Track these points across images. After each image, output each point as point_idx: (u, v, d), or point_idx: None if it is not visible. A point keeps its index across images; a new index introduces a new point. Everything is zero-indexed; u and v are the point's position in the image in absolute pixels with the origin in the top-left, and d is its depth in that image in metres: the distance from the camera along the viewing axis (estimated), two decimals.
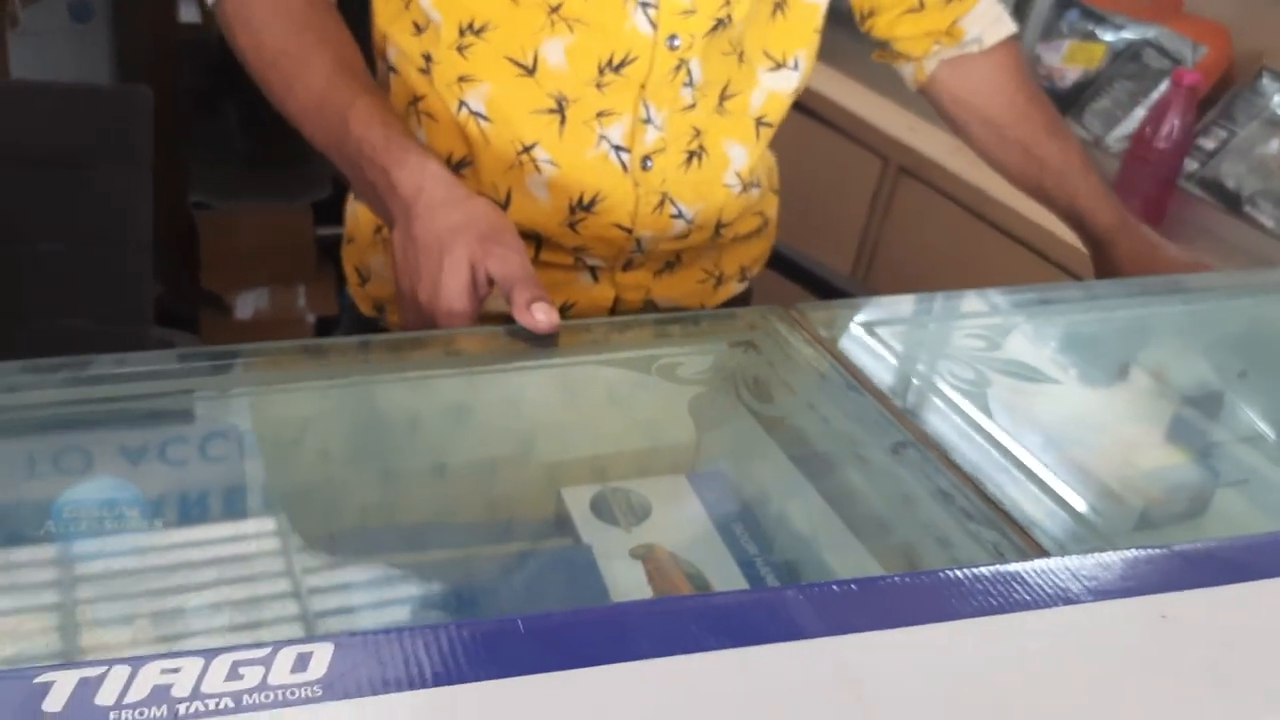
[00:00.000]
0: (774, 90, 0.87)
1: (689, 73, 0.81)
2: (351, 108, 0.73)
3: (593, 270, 0.86)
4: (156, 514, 0.51)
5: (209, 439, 0.57)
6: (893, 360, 0.69)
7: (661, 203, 0.83)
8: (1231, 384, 0.83)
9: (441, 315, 0.66)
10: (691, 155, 0.84)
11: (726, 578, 0.59)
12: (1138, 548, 0.46)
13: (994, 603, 0.41)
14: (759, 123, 0.87)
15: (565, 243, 0.83)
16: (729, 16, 0.80)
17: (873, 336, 0.70)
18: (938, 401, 0.65)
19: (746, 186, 0.88)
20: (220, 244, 1.89)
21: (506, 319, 0.66)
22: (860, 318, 0.72)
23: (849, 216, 1.74)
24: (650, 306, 0.88)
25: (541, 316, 0.64)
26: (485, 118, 0.80)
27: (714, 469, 0.66)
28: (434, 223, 0.68)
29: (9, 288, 1.34)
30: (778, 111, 0.88)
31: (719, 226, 0.87)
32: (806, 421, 0.64)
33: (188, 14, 1.84)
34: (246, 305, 1.92)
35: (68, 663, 0.33)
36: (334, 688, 0.33)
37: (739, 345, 0.69)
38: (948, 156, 1.60)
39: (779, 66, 0.87)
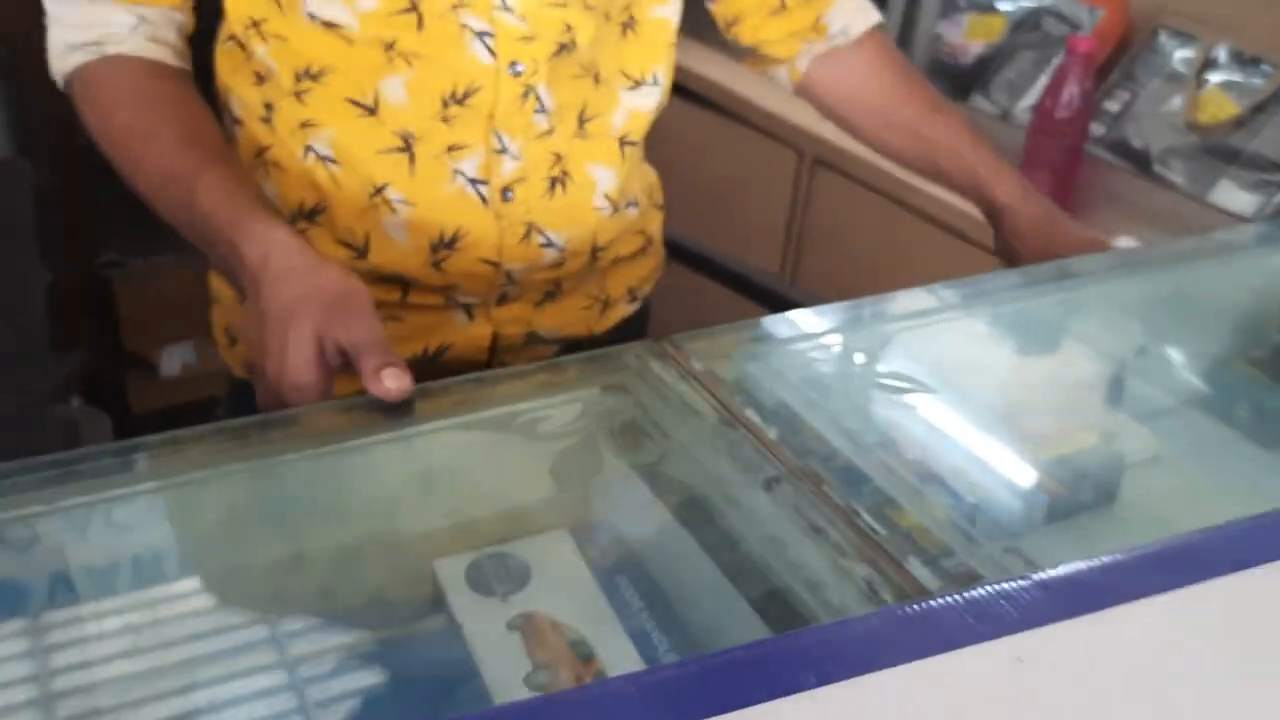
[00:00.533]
0: (636, 108, 0.85)
1: (538, 99, 0.78)
2: (198, 180, 0.71)
3: (466, 308, 0.83)
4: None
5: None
6: (770, 388, 0.67)
7: (528, 233, 0.81)
8: (1131, 363, 0.81)
9: (289, 390, 0.63)
10: (554, 181, 0.81)
11: (610, 638, 0.57)
12: (996, 580, 0.44)
13: (837, 668, 0.39)
14: (623, 142, 0.85)
15: (432, 282, 0.81)
16: (572, 41, 0.78)
17: (752, 363, 0.68)
18: (817, 428, 0.63)
19: (619, 207, 0.86)
20: (139, 301, 1.85)
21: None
22: (739, 344, 0.70)
23: (771, 213, 1.72)
24: (534, 339, 0.86)
25: (392, 385, 0.61)
26: (333, 160, 0.78)
27: (592, 522, 0.64)
28: (279, 294, 0.65)
29: None
30: (641, 129, 0.86)
31: (595, 251, 0.85)
32: (680, 465, 0.62)
33: None
34: (173, 362, 1.88)
35: None
36: None
37: (610, 389, 0.67)
38: (861, 146, 1.59)
39: (639, 84, 0.85)
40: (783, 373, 0.68)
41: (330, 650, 0.56)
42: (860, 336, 0.74)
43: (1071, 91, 1.31)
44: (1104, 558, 0.46)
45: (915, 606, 0.42)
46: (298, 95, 0.78)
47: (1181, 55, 1.40)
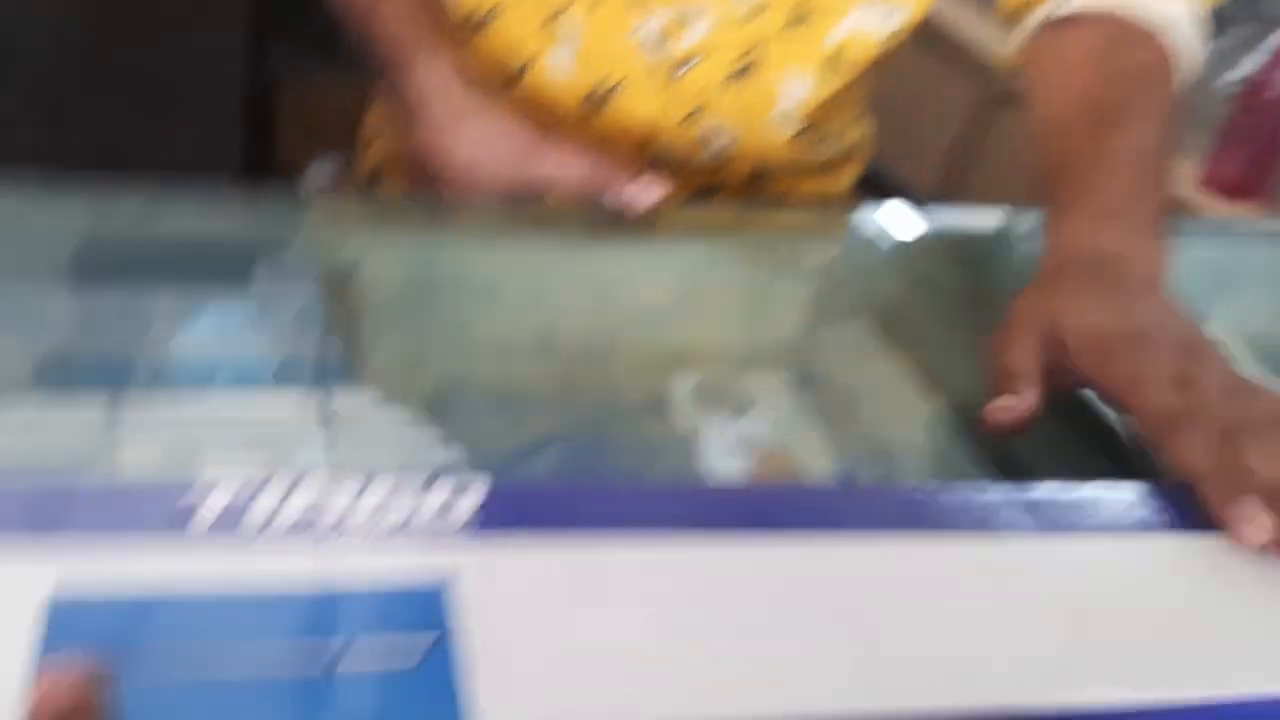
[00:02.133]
0: (861, 28, 0.75)
1: None
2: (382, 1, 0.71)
3: None
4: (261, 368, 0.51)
5: (312, 287, 0.56)
6: (1020, 269, 0.66)
7: (692, 115, 0.75)
8: None
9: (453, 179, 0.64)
10: (738, 72, 0.74)
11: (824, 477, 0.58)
12: None
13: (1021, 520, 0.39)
14: (832, 60, 0.76)
15: (576, 132, 0.76)
16: None
17: (998, 240, 0.68)
18: None
19: (805, 131, 0.77)
20: (299, 111, 1.87)
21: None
22: (987, 221, 0.70)
23: (937, 141, 1.69)
24: None
25: (642, 198, 0.61)
26: None
27: (820, 367, 0.65)
28: (459, 139, 0.66)
29: (103, 131, 1.34)
30: (858, 55, 0.76)
31: (756, 176, 0.78)
32: (925, 329, 0.62)
33: None
34: (320, 175, 1.90)
35: (222, 475, 0.32)
36: (484, 527, 0.33)
37: (857, 241, 0.67)
38: None
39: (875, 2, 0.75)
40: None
41: (564, 429, 0.58)
42: None
43: None
44: None
45: None
46: None
47: None
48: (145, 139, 1.36)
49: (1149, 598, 0.35)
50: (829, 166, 0.82)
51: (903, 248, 0.67)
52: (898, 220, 0.68)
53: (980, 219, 0.70)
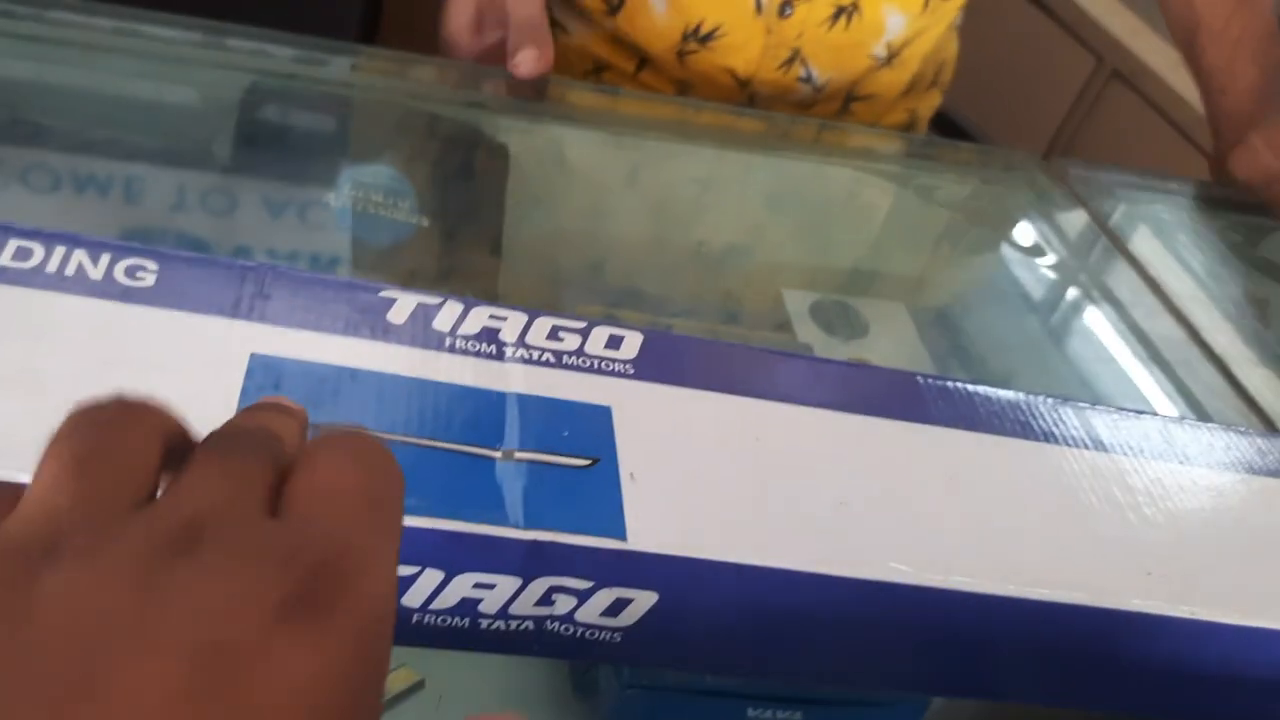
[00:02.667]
0: None
1: None
2: None
3: None
4: (420, 211, 0.52)
5: (475, 154, 0.57)
6: (1154, 229, 0.66)
7: (791, 60, 0.74)
8: None
9: (444, 50, 0.63)
10: (841, 12, 0.74)
11: None
12: None
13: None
14: None
15: (671, 72, 0.76)
16: None
17: (1133, 201, 0.67)
18: (1189, 277, 0.63)
19: (896, 64, 0.78)
20: (402, 8, 1.89)
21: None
22: (1126, 182, 0.70)
23: (1048, 114, 1.67)
24: None
25: (523, 67, 0.59)
26: None
27: (940, 304, 0.65)
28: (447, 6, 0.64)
29: None
30: None
31: (849, 100, 0.78)
32: (1052, 274, 0.62)
33: None
34: None
35: (407, 288, 0.34)
36: (643, 369, 0.34)
37: (997, 184, 0.67)
38: (1168, 70, 1.52)
39: None
40: (1171, 225, 0.68)
41: (685, 327, 0.59)
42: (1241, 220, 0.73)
43: None
44: None
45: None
46: None
47: None
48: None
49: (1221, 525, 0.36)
50: (915, 93, 0.82)
51: (1037, 196, 0.67)
52: (1033, 170, 0.68)
53: (1112, 176, 0.70)
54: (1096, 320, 0.59)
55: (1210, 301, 0.60)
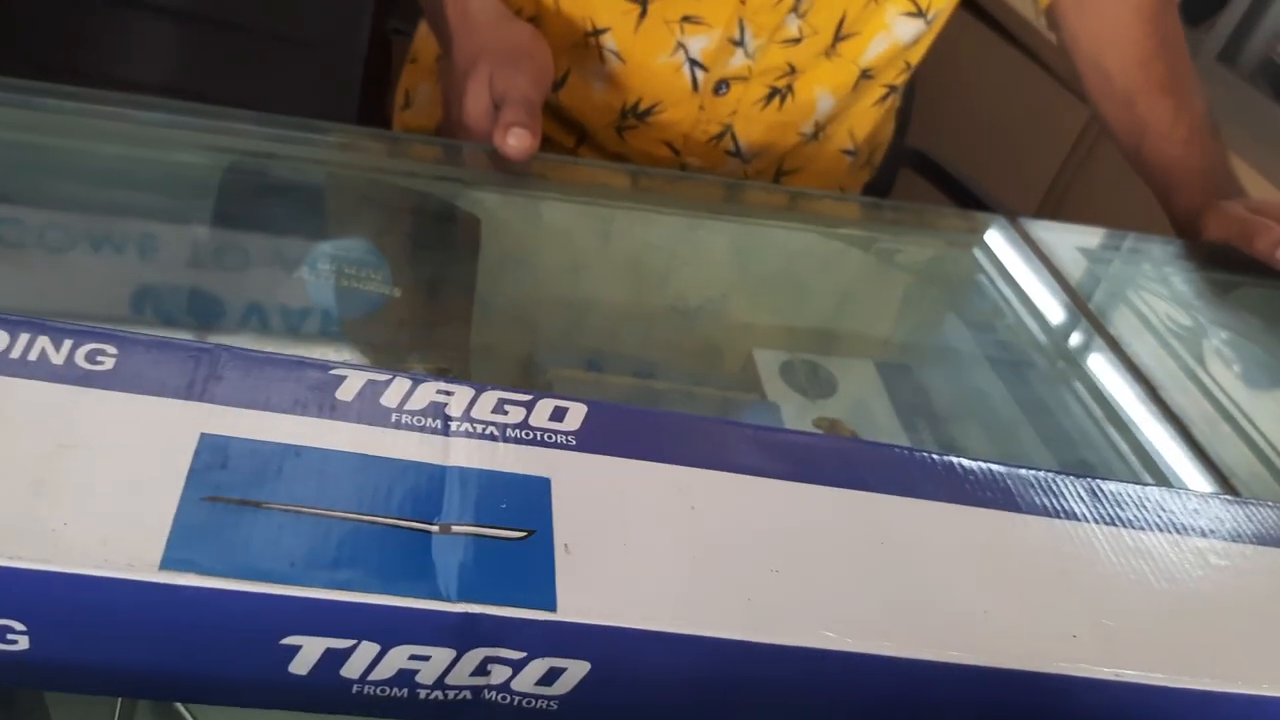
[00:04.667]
0: (896, 40, 0.78)
1: (798, 2, 0.73)
2: None
3: None
4: (391, 284, 0.54)
5: (447, 225, 0.59)
6: (1113, 285, 0.68)
7: (721, 134, 0.77)
8: None
9: (463, 137, 0.65)
10: (775, 93, 0.76)
11: None
12: None
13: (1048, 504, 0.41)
14: (864, 74, 0.78)
15: (608, 145, 0.79)
16: None
17: (1097, 260, 0.69)
18: (1150, 336, 0.64)
19: (823, 140, 0.80)
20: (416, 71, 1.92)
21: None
22: (1088, 240, 0.71)
23: (1042, 163, 1.69)
24: None
25: (512, 141, 0.60)
26: None
27: (906, 363, 0.67)
28: (469, 44, 0.67)
29: (227, 72, 1.39)
30: (888, 67, 0.79)
31: (779, 174, 0.81)
32: (1014, 333, 0.64)
33: None
34: None
35: (358, 365, 0.35)
36: (585, 440, 0.35)
37: (957, 245, 0.68)
38: None
39: (914, 14, 0.77)
40: (1126, 277, 0.69)
41: (656, 390, 0.60)
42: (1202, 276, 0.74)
43: None
44: None
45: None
46: None
47: None
48: (265, 82, 1.40)
49: (1203, 593, 0.37)
50: (845, 169, 0.85)
51: (1001, 257, 0.68)
52: (998, 231, 0.69)
53: (1077, 236, 0.71)
54: (1058, 380, 0.60)
55: (1171, 360, 0.61)
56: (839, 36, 0.76)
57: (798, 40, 0.75)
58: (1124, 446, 0.54)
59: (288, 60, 1.43)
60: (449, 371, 0.53)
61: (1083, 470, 0.57)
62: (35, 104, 0.57)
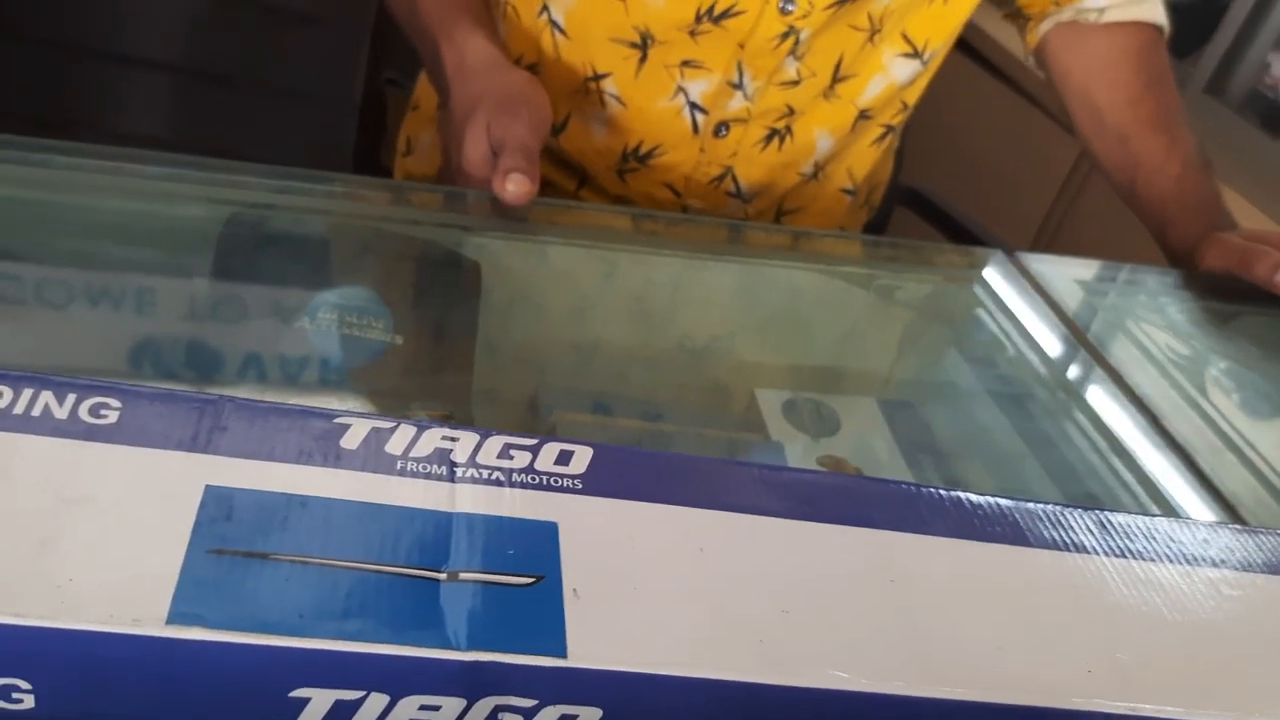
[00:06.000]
0: (893, 80, 0.79)
1: (797, 44, 0.74)
2: None
3: None
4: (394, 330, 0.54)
5: (448, 271, 0.59)
6: (1113, 317, 0.68)
7: (722, 176, 0.77)
8: None
9: (464, 184, 0.66)
10: (774, 134, 0.77)
11: None
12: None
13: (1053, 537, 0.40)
14: (861, 115, 0.79)
15: (609, 188, 0.79)
16: None
17: (1095, 292, 0.69)
18: (1151, 367, 0.64)
19: (823, 180, 0.81)
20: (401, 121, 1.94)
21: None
22: (1087, 273, 0.71)
23: (1036, 198, 1.70)
24: None
25: (510, 187, 0.60)
26: (562, 30, 0.76)
27: (909, 399, 0.67)
28: (465, 92, 0.67)
29: (222, 124, 1.41)
30: (885, 107, 0.80)
31: (779, 214, 0.81)
32: (1016, 367, 0.64)
33: None
34: None
35: (362, 413, 0.35)
36: (591, 484, 0.35)
37: (956, 281, 0.68)
38: None
39: (910, 54, 0.79)
40: (1126, 310, 0.70)
41: (659, 431, 0.60)
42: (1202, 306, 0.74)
43: None
44: None
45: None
46: None
47: None
48: (259, 134, 1.42)
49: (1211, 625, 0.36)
50: (845, 209, 0.85)
51: (1000, 291, 0.68)
52: (996, 266, 0.69)
53: (1074, 269, 0.72)
54: (1061, 412, 0.60)
55: (1173, 389, 0.61)
56: (837, 78, 0.77)
57: (796, 82, 0.76)
58: (1129, 477, 0.54)
59: (282, 112, 1.45)
60: (452, 418, 0.53)
61: (1089, 502, 0.57)
62: (31, 160, 0.57)
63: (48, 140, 0.57)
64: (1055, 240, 1.69)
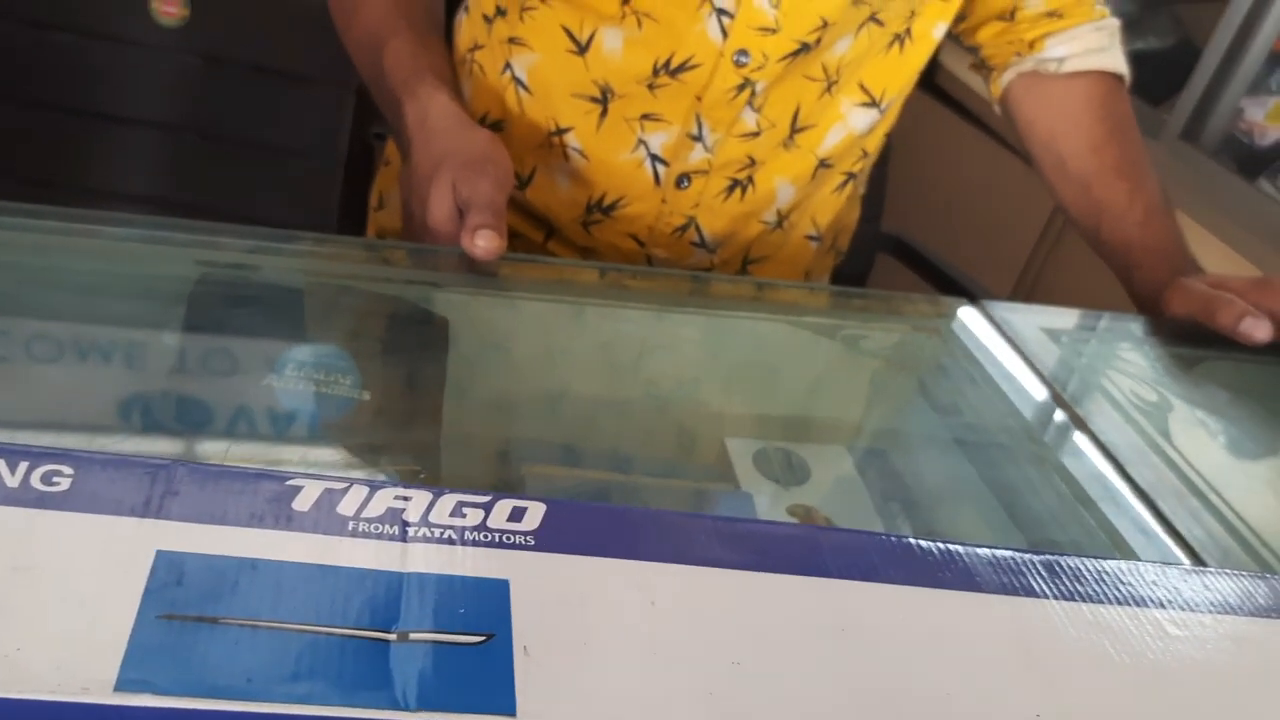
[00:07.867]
0: (852, 129, 0.80)
1: (753, 95, 0.75)
2: (387, 44, 0.75)
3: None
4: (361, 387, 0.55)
5: (411, 325, 0.60)
6: (1079, 365, 0.69)
7: (686, 226, 0.78)
8: None
9: (430, 242, 0.66)
10: (736, 185, 0.78)
11: None
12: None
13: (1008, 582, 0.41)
14: (821, 164, 0.80)
15: (576, 240, 0.80)
16: (818, 40, 0.74)
17: (1060, 342, 0.70)
18: (1116, 414, 0.65)
19: (787, 228, 0.82)
20: (393, 172, 1.96)
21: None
22: (1053, 321, 0.72)
23: (1016, 245, 1.71)
24: None
25: (480, 242, 0.61)
26: (525, 87, 0.78)
27: (878, 448, 0.67)
28: (430, 150, 0.68)
29: (212, 180, 1.42)
30: (845, 155, 0.81)
31: (746, 264, 0.82)
32: (983, 415, 0.64)
33: None
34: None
35: (314, 474, 0.36)
36: (544, 540, 0.36)
37: (924, 330, 0.69)
38: None
39: (868, 104, 0.80)
40: (1092, 357, 0.70)
41: (629, 483, 0.60)
42: (1167, 351, 0.75)
43: None
44: None
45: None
46: (523, 10, 0.77)
47: None
48: (246, 188, 1.43)
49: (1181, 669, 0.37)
50: (810, 255, 0.86)
51: (967, 341, 0.69)
52: (964, 315, 0.70)
53: (1041, 317, 0.72)
54: (1029, 460, 0.61)
55: (1138, 436, 0.62)
56: (795, 128, 0.78)
57: (756, 134, 0.77)
58: (1092, 524, 0.55)
59: (269, 167, 1.46)
60: (420, 473, 0.54)
61: (1054, 549, 0.58)
62: (5, 224, 0.58)
63: (13, 203, 0.57)
64: (1038, 283, 1.70)
